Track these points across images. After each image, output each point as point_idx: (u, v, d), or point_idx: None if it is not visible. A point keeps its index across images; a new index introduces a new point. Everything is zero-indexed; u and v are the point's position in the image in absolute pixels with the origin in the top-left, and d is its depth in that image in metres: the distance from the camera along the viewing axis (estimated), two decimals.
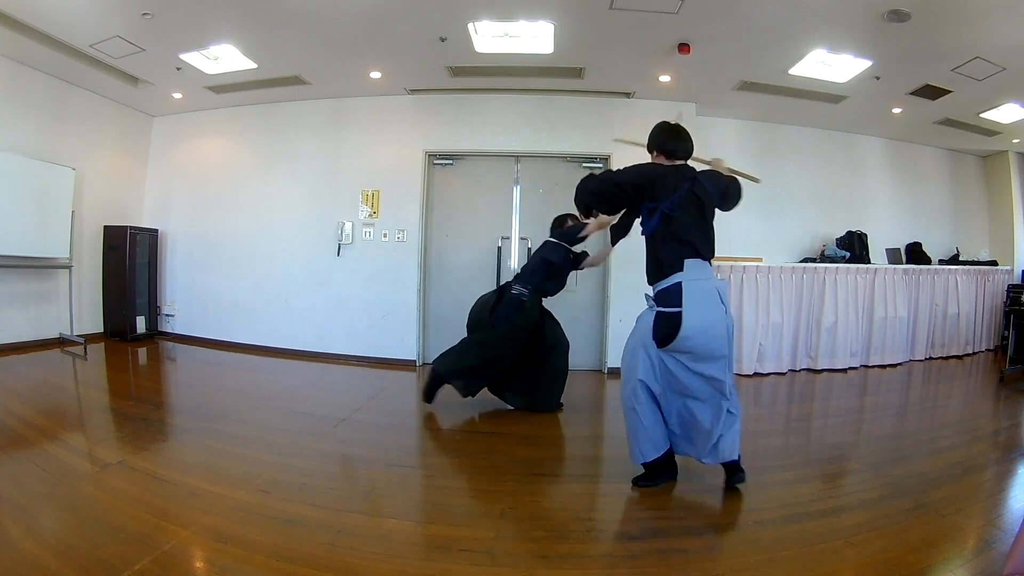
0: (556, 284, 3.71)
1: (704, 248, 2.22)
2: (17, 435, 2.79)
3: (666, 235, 2.20)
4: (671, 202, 2.16)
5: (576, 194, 2.51)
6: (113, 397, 3.89)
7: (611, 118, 5.31)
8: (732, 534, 2.02)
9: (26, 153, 4.92)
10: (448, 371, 3.57)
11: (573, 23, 3.96)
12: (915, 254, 6.38)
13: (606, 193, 2.31)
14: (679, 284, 2.17)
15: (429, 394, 3.64)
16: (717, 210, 2.37)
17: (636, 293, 5.16)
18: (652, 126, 2.53)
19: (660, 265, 2.23)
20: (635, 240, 5.19)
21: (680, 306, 2.14)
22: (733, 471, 2.30)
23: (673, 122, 2.41)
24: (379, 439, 3.14)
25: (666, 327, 2.19)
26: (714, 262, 2.34)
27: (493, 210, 5.46)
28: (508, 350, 3.53)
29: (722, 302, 2.21)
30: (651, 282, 2.32)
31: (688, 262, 2.18)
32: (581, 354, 5.38)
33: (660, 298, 2.24)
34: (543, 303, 3.76)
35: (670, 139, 2.35)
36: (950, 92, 4.90)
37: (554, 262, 3.62)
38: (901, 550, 1.87)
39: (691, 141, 2.37)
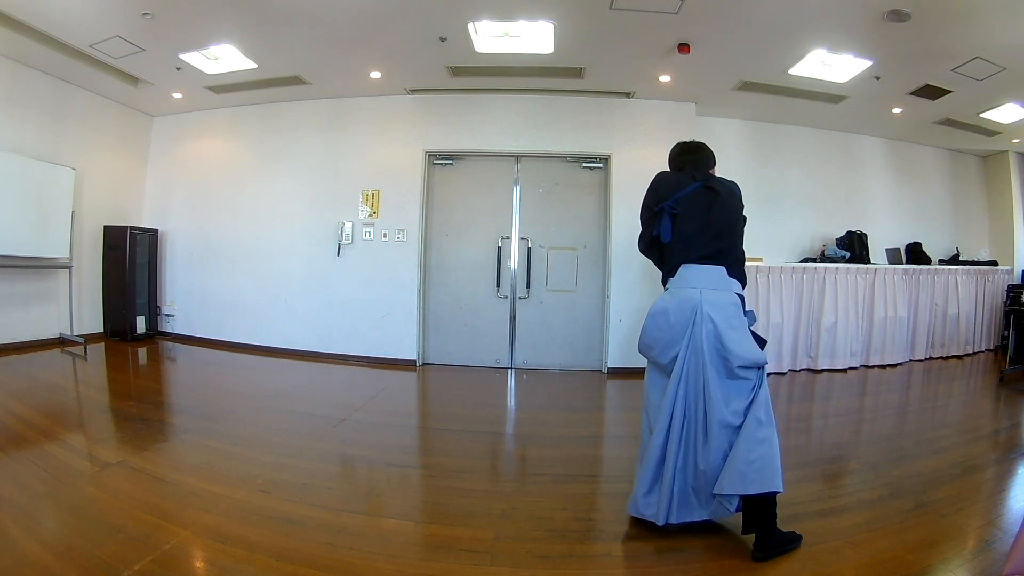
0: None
1: (705, 250, 2.00)
2: (17, 435, 2.79)
3: (672, 237, 2.02)
4: (674, 199, 2.01)
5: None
6: (113, 397, 3.89)
7: (611, 118, 5.32)
8: (731, 534, 2.02)
9: (26, 153, 4.92)
10: None
11: (573, 23, 3.96)
12: (915, 254, 6.38)
13: (644, 221, 2.14)
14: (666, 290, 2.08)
15: None
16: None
17: (636, 293, 5.21)
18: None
19: (665, 273, 2.12)
20: (637, 238, 5.21)
21: None
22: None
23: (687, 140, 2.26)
24: (379, 439, 3.14)
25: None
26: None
27: (493, 210, 5.46)
28: None
29: (694, 322, 1.95)
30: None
31: (684, 268, 2.02)
32: (581, 354, 5.39)
33: None
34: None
35: (677, 154, 2.21)
36: (950, 92, 4.90)
37: None
38: (901, 550, 1.87)
39: (700, 151, 2.17)
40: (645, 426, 2.13)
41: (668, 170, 2.19)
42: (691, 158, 2.16)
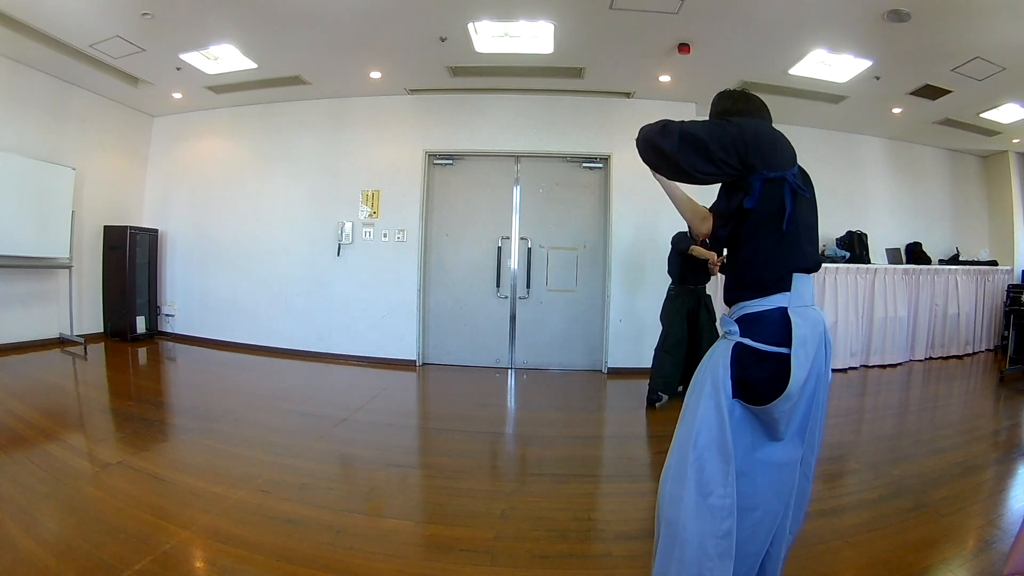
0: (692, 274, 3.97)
1: (811, 259, 1.41)
2: (17, 435, 2.79)
3: (782, 231, 1.33)
4: (794, 173, 1.34)
5: (646, 144, 1.34)
6: (113, 397, 3.89)
7: (611, 118, 5.32)
8: None
9: (26, 153, 4.92)
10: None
11: (573, 23, 3.96)
12: (915, 254, 6.38)
13: (717, 163, 1.28)
14: (782, 311, 1.34)
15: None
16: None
17: (636, 293, 5.21)
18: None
19: (759, 278, 1.37)
20: (637, 237, 5.21)
21: (783, 344, 1.31)
22: None
23: (737, 88, 1.60)
24: (379, 439, 3.14)
25: (758, 371, 1.34)
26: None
27: (493, 210, 5.46)
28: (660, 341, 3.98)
29: (825, 344, 1.39)
30: (735, 299, 1.43)
31: (798, 278, 1.37)
32: (581, 354, 5.39)
33: (746, 324, 1.37)
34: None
35: (736, 102, 1.51)
36: (950, 92, 4.90)
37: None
38: (901, 550, 1.88)
39: (767, 108, 1.52)
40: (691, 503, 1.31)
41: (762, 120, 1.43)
42: (754, 105, 1.50)
